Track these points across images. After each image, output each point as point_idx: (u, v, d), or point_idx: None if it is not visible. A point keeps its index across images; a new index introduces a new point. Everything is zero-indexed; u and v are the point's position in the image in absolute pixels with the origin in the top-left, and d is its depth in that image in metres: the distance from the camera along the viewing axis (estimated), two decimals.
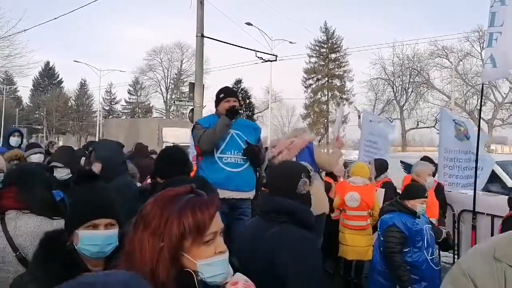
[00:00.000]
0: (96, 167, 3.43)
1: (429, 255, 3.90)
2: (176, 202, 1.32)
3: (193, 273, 1.27)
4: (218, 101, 4.17)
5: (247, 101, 35.46)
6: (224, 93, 4.17)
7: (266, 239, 2.27)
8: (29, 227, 2.30)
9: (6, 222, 2.32)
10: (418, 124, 43.35)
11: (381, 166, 6.14)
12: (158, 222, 1.29)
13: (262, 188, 5.02)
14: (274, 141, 4.91)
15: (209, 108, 16.62)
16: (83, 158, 4.46)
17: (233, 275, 1.42)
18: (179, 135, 19.32)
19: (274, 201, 2.40)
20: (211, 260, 1.30)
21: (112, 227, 1.87)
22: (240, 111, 4.10)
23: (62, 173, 3.83)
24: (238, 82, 35.61)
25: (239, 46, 17.09)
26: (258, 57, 18.02)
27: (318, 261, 2.28)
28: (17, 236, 2.27)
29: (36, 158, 5.38)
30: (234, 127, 4.07)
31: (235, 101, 4.12)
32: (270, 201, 2.44)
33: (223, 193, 3.71)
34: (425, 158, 6.00)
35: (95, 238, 1.81)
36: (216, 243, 1.33)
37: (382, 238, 4.00)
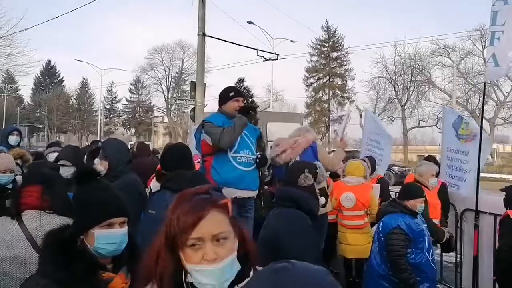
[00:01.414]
0: (103, 165, 3.46)
1: (430, 255, 3.87)
2: (184, 201, 1.33)
3: (183, 273, 1.29)
4: (226, 99, 4.18)
5: (250, 100, 35.41)
6: (235, 93, 4.21)
7: (268, 219, 2.73)
8: (53, 227, 2.24)
9: (25, 222, 2.29)
10: (419, 123, 43.31)
11: (373, 163, 6.17)
12: (165, 219, 1.33)
13: (265, 187, 5.04)
14: (277, 140, 4.91)
15: (210, 107, 16.63)
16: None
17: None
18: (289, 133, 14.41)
19: (280, 190, 2.89)
20: (197, 267, 1.25)
21: (124, 225, 1.89)
22: (255, 110, 4.16)
23: (68, 171, 3.80)
24: (241, 81, 35.55)
25: (240, 45, 17.10)
26: (260, 56, 17.98)
27: (311, 238, 2.66)
28: (41, 236, 2.18)
29: (54, 156, 5.37)
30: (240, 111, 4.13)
31: (243, 101, 4.20)
32: (277, 191, 2.93)
33: (233, 193, 3.78)
34: (429, 158, 5.99)
35: (112, 237, 1.82)
36: (205, 250, 1.26)
37: (385, 241, 3.88)
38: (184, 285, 1.28)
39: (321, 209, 3.44)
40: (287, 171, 3.01)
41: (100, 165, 3.49)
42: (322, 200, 3.07)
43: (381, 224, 4.03)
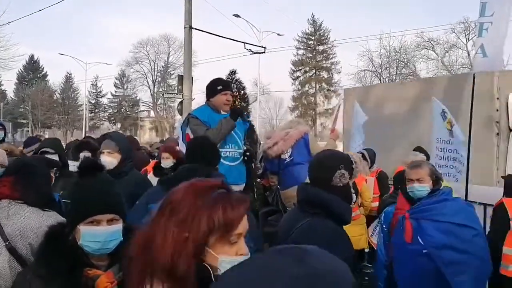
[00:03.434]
0: (116, 158, 3.39)
1: None
2: (208, 194, 1.29)
3: (210, 268, 1.25)
4: (214, 92, 4.08)
5: (242, 92, 35.33)
6: (223, 86, 4.11)
7: (295, 231, 2.25)
8: (19, 217, 2.30)
9: None
10: None
11: (373, 156, 6.18)
12: (187, 213, 1.26)
13: (258, 180, 5.04)
14: (269, 132, 4.90)
15: (197, 101, 16.54)
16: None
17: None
18: None
19: (308, 192, 2.37)
20: (233, 259, 1.24)
21: (115, 223, 1.82)
22: (242, 112, 4.10)
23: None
24: (233, 73, 35.41)
25: (228, 38, 17.02)
26: (247, 49, 17.94)
27: (344, 256, 2.19)
28: (8, 225, 2.26)
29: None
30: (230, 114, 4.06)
31: (231, 95, 4.12)
32: (305, 191, 2.41)
33: None
34: (417, 149, 6.04)
35: (96, 234, 1.76)
36: (239, 245, 1.29)
37: (386, 231, 3.95)
38: (213, 279, 1.24)
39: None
40: (317, 166, 2.42)
41: (112, 157, 3.38)
42: (353, 197, 2.69)
43: (383, 215, 4.13)
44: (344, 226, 5.41)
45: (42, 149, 3.93)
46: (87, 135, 11.17)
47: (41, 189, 2.48)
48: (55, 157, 3.85)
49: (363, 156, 5.89)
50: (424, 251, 3.18)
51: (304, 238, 2.18)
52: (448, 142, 5.58)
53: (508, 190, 3.97)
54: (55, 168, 3.63)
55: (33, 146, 5.37)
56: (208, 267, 1.25)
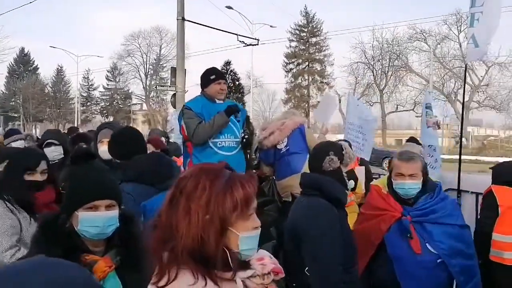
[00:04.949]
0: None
1: None
2: (221, 175, 1.35)
3: (227, 250, 1.31)
4: (208, 82, 4.06)
5: (237, 83, 35.12)
6: (216, 75, 4.08)
7: (293, 209, 2.53)
8: None
9: None
10: (397, 108, 43.93)
11: (350, 146, 6.28)
12: (209, 195, 1.31)
13: (253, 171, 5.06)
14: (264, 123, 4.93)
15: (190, 93, 16.48)
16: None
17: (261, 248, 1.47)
18: None
19: (305, 177, 2.65)
20: (250, 234, 1.35)
21: (112, 208, 1.87)
22: (238, 110, 4.06)
23: (55, 151, 3.86)
24: (227, 64, 35.10)
25: (220, 30, 16.98)
26: (240, 41, 17.91)
27: (330, 231, 2.42)
28: None
29: (17, 145, 5.25)
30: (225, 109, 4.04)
31: (225, 83, 4.10)
32: (304, 177, 2.67)
33: None
34: (411, 139, 6.10)
35: (95, 219, 1.80)
36: (254, 218, 1.38)
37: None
38: (230, 262, 1.31)
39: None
40: (310, 155, 2.73)
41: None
42: (351, 183, 2.79)
43: None
44: None
45: (48, 141, 4.00)
46: (70, 126, 11.10)
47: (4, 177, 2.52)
48: (60, 149, 3.95)
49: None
50: (438, 260, 2.76)
51: (298, 212, 2.52)
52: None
53: (496, 178, 4.03)
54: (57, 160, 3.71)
55: (13, 137, 5.40)
56: (225, 249, 1.31)
